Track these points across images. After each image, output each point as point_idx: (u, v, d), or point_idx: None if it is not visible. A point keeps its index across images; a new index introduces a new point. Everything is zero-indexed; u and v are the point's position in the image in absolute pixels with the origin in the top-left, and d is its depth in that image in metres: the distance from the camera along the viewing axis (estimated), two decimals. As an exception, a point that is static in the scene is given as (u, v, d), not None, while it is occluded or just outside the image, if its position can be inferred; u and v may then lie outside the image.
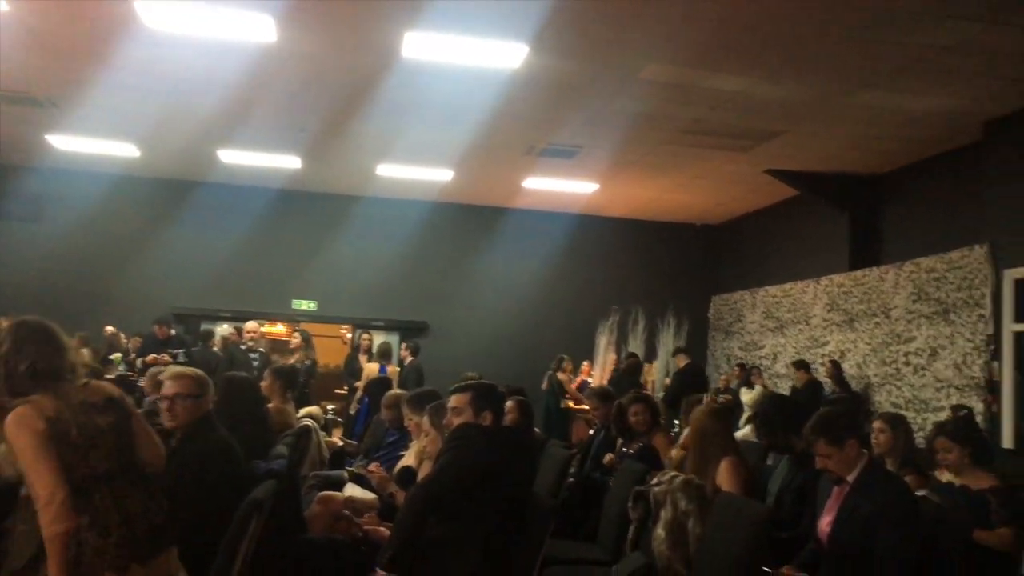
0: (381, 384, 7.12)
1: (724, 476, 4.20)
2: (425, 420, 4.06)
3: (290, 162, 11.88)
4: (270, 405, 5.82)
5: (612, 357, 13.33)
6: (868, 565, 3.23)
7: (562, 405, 11.36)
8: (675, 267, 15.01)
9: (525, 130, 10.22)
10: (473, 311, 14.21)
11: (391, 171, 12.09)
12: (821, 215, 12.03)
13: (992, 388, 8.66)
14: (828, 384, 10.50)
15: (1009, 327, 8.58)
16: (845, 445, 3.41)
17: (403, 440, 5.14)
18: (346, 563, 3.77)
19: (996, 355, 8.66)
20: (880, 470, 3.53)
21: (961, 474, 4.19)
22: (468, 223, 14.44)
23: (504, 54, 7.61)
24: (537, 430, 6.81)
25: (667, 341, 13.13)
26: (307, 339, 9.92)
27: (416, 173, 12.19)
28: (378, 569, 3.10)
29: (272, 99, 9.40)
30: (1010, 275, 8.59)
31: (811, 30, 6.93)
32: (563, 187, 12.68)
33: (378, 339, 11.96)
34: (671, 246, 15.09)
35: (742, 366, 12.09)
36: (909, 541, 3.16)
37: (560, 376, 11.73)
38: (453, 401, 3.54)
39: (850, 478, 3.42)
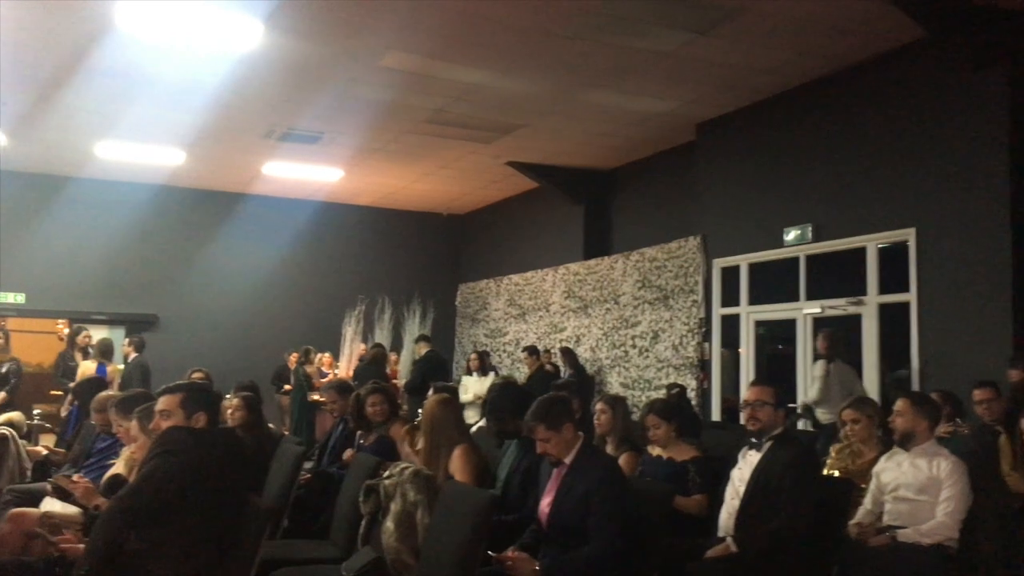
0: (91, 385, 6.48)
1: (456, 464, 4.25)
2: (133, 425, 3.73)
3: (-11, 137, 10.54)
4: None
5: (361, 347, 13.16)
6: (583, 541, 3.39)
7: (309, 399, 11.04)
8: (422, 256, 15.15)
9: (264, 113, 9.79)
10: (209, 303, 13.47)
11: (113, 150, 11.09)
12: (559, 207, 12.64)
13: (704, 366, 9.56)
14: (565, 367, 11.04)
15: (718, 311, 9.51)
16: (562, 429, 3.55)
17: (114, 447, 4.70)
18: (37, 587, 3.37)
19: (707, 336, 9.56)
20: (593, 451, 3.72)
21: (668, 447, 4.55)
22: (203, 209, 13.65)
23: (237, 31, 7.21)
24: (272, 426, 6.54)
25: (413, 330, 13.19)
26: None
27: (142, 154, 11.29)
28: (70, 591, 2.79)
29: (-38, 64, 8.26)
30: (718, 264, 9.51)
31: (543, 28, 7.20)
32: (306, 173, 12.33)
33: (100, 334, 10.94)
34: (418, 235, 15.20)
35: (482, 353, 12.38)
36: (616, 515, 3.35)
37: (307, 369, 11.42)
38: (161, 404, 3.28)
39: (567, 460, 3.57)
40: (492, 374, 10.87)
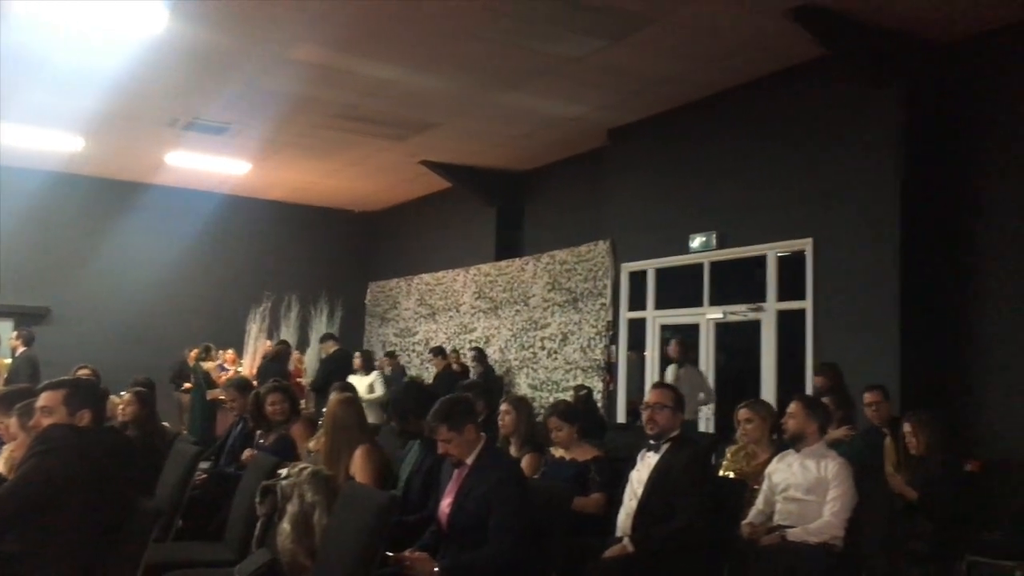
0: (-28, 380, 6.15)
1: (357, 464, 4.19)
2: (13, 422, 3.55)
3: None
4: None
5: (266, 344, 12.85)
6: (483, 542, 3.39)
7: (208, 396, 10.71)
8: (331, 253, 14.93)
9: (167, 101, 9.47)
10: (107, 296, 12.96)
11: (4, 134, 10.52)
12: (472, 207, 12.64)
13: (610, 369, 9.70)
14: (475, 368, 11.03)
15: (625, 315, 9.67)
16: (464, 430, 3.55)
17: (-6, 445, 4.46)
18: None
19: (614, 339, 9.71)
20: (495, 452, 3.73)
21: (570, 449, 4.60)
22: (102, 198, 13.13)
23: (140, 15, 6.96)
24: (169, 424, 6.33)
25: (320, 328, 12.97)
26: None
27: (38, 139, 10.78)
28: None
29: None
30: (626, 268, 9.67)
31: (457, 27, 7.18)
32: (212, 165, 11.99)
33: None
34: (328, 231, 14.98)
35: (390, 354, 12.25)
36: (516, 516, 3.36)
37: (207, 365, 11.07)
38: (43, 400, 3.12)
39: (469, 461, 3.57)
40: (375, 373, 10.57)
